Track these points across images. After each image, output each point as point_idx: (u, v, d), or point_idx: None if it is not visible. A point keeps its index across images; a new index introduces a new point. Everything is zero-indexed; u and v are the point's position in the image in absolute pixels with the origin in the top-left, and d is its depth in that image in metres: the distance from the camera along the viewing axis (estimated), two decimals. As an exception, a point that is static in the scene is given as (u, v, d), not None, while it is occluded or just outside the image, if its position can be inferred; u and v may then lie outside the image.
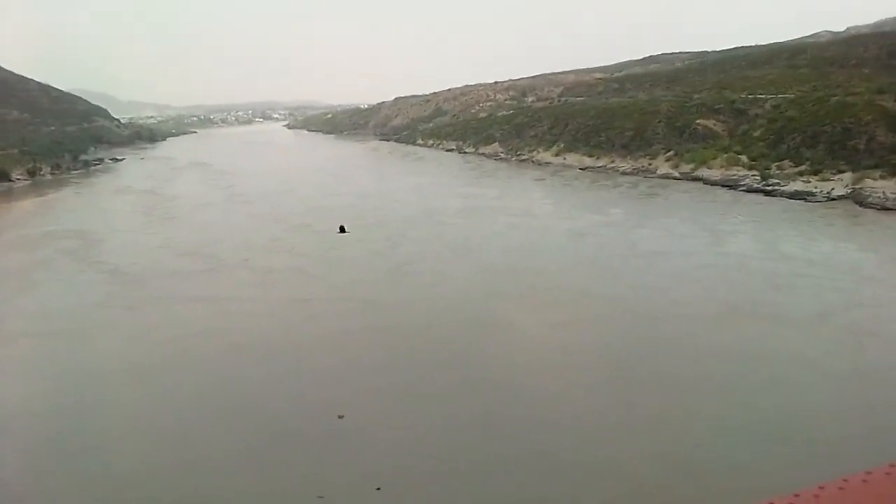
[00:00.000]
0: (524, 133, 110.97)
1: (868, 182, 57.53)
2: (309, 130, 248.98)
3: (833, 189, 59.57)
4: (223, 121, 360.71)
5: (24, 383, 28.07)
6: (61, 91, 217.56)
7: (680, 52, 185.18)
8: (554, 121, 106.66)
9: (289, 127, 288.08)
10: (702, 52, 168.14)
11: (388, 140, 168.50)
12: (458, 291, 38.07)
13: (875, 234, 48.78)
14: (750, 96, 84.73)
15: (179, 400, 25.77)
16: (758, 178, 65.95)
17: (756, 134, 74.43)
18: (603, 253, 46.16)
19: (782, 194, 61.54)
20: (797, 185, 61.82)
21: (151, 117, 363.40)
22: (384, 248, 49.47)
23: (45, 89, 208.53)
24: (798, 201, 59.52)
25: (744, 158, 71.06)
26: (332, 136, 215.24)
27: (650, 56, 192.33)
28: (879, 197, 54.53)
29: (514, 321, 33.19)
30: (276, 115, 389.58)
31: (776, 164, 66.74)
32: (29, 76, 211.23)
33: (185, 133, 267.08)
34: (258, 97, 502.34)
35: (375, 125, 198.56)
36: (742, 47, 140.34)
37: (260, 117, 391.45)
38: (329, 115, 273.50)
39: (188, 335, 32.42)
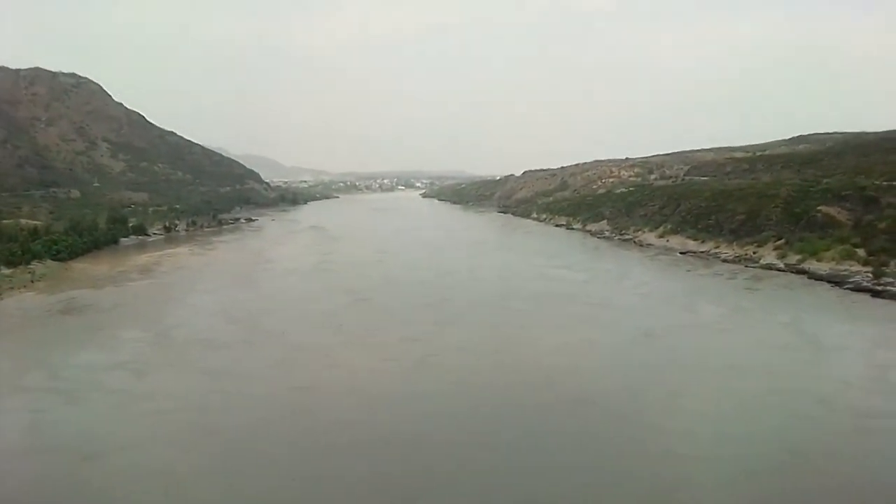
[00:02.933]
0: (634, 212, 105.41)
1: None
2: (439, 200, 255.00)
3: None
4: (367, 187, 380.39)
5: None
6: (221, 155, 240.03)
7: (833, 133, 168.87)
8: (666, 200, 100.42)
9: (423, 196, 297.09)
10: (859, 132, 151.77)
11: (506, 212, 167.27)
12: (467, 397, 33.52)
13: None
14: (885, 183, 73.75)
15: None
16: (869, 275, 57.57)
17: (881, 225, 64.56)
18: (664, 364, 39.20)
19: (893, 296, 53.03)
20: (914, 287, 52.68)
21: (304, 181, 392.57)
22: (428, 335, 45.98)
23: (208, 154, 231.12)
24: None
25: (860, 252, 62.19)
26: (458, 206, 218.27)
27: (799, 136, 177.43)
28: None
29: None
30: (418, 184, 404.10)
31: (896, 260, 56.89)
32: (208, 142, 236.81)
33: (327, 197, 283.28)
34: (405, 166, 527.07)
35: (500, 197, 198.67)
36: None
37: (402, 185, 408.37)
38: (462, 186, 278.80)
39: (168, 410, 31.78)
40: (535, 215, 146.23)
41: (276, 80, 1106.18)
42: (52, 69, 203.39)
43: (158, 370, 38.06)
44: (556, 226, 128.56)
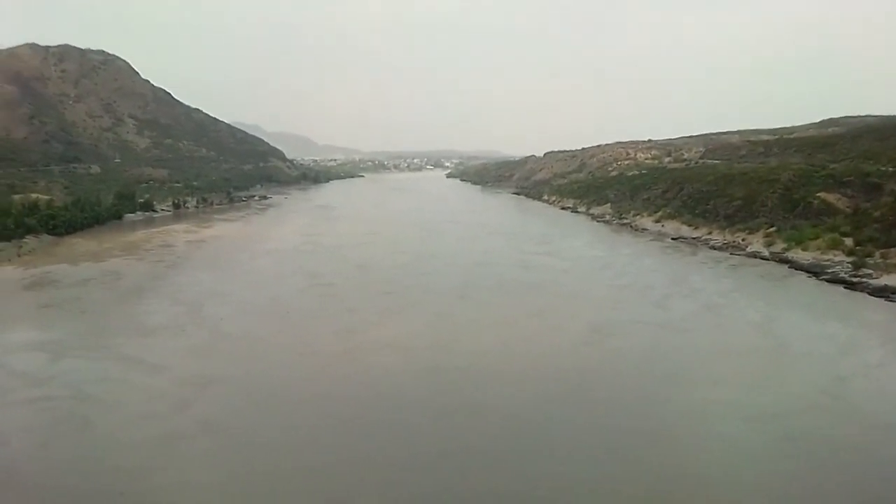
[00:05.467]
0: (638, 195, 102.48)
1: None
2: (462, 180, 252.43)
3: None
4: (395, 166, 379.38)
5: None
6: (245, 133, 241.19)
7: (866, 116, 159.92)
8: (671, 184, 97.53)
9: (448, 176, 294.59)
10: (891, 116, 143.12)
11: (520, 194, 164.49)
12: (369, 401, 31.71)
13: None
14: (891, 169, 69.51)
15: None
16: (849, 266, 55.09)
17: (875, 214, 60.35)
18: (600, 372, 36.27)
19: (865, 288, 50.80)
20: (892, 279, 50.31)
21: (334, 160, 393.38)
22: (367, 326, 44.16)
23: (232, 131, 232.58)
24: (879, 299, 48.91)
25: (848, 242, 59.24)
26: (478, 186, 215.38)
27: (830, 118, 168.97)
28: None
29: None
30: (447, 164, 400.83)
31: (882, 251, 54.59)
32: (242, 120, 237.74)
33: (352, 176, 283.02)
34: (437, 145, 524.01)
35: (519, 178, 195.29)
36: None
37: (431, 165, 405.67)
38: (487, 166, 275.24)
39: (55, 398, 31.39)
40: (545, 197, 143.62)
41: (312, 60, 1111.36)
42: (81, 46, 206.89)
43: (73, 353, 37.74)
44: (563, 208, 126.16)
